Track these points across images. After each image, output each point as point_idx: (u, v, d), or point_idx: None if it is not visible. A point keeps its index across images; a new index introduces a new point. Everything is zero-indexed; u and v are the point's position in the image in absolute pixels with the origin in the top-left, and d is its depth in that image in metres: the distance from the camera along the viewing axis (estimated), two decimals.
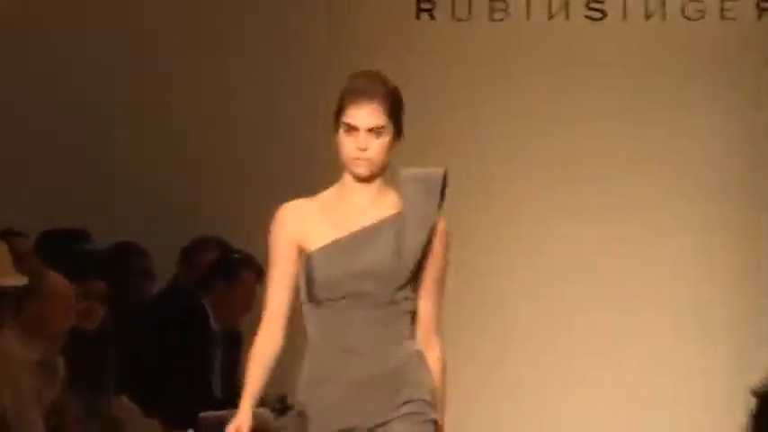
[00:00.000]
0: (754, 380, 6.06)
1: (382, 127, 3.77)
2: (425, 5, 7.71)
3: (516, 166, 7.73)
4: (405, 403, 3.81)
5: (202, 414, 5.81)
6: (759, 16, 7.51)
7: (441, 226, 3.87)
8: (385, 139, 3.80)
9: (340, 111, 3.81)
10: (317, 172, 7.50)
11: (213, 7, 7.81)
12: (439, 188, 3.88)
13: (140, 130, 7.80)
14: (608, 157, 7.65)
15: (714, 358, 7.41)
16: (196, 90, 8.04)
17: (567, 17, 7.56)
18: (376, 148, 3.78)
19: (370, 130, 3.79)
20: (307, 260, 3.81)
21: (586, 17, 7.55)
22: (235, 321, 7.02)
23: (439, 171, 3.88)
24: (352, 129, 3.78)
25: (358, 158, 3.80)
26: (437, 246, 3.85)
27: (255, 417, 4.03)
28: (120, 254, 6.37)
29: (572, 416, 7.54)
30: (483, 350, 7.77)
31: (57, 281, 5.40)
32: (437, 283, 3.89)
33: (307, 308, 3.82)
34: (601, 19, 7.56)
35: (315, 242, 3.81)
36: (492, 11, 7.60)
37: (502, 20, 7.57)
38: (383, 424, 3.80)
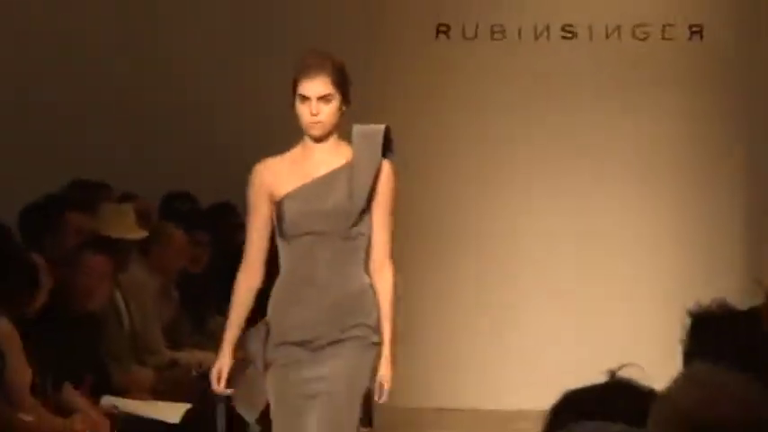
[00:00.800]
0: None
1: (330, 95, 4.12)
2: (442, 28, 8.31)
3: (510, 149, 8.51)
4: (355, 326, 4.21)
5: None
6: (690, 37, 8.24)
7: (385, 169, 4.22)
8: (333, 104, 4.14)
9: (295, 85, 4.16)
10: None
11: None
12: (380, 141, 4.23)
13: (235, 105, 8.10)
14: (578, 142, 8.43)
15: (666, 288, 7.88)
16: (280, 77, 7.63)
17: (549, 38, 8.32)
18: (326, 112, 4.12)
19: (320, 98, 4.11)
20: (278, 205, 4.16)
21: (562, 37, 8.31)
22: None
23: (381, 127, 4.27)
24: (305, 99, 4.11)
25: (312, 122, 4.13)
26: (382, 185, 4.21)
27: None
28: (220, 212, 6.91)
29: (547, 334, 8.15)
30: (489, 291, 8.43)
31: (173, 232, 6.20)
32: (386, 215, 4.24)
33: (280, 244, 4.23)
34: (572, 38, 8.35)
35: (284, 191, 4.18)
36: (493, 32, 8.25)
37: (500, 39, 8.31)
38: (335, 341, 4.19)
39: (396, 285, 4.32)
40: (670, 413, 2.02)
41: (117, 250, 6.04)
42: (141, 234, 6.31)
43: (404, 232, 6.63)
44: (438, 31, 8.26)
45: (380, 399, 4.25)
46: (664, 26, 8.24)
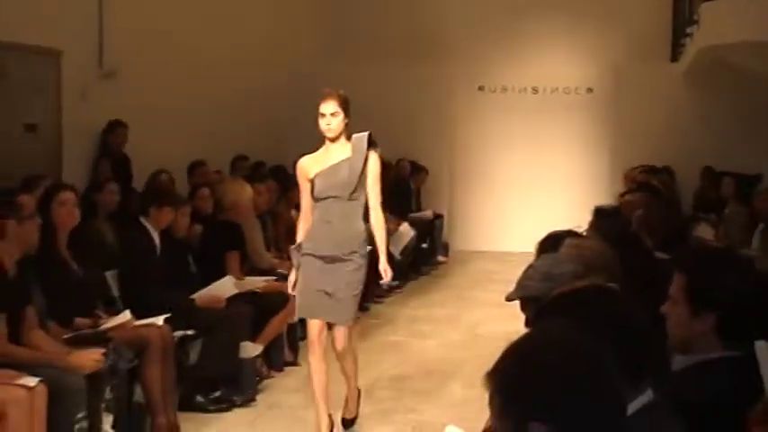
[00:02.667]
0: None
1: (337, 112, 4.80)
2: (481, 87, 12.13)
3: (510, 140, 12.13)
4: (351, 253, 4.88)
5: None
6: (587, 92, 11.78)
7: (372, 157, 4.79)
8: (339, 118, 4.81)
9: (318, 107, 4.82)
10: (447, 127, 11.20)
11: None
12: (365, 142, 4.80)
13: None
14: (539, 137, 12.05)
15: (579, 198, 10.50)
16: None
17: (526, 92, 12.18)
18: (335, 123, 4.81)
19: (332, 114, 4.79)
20: (311, 182, 4.84)
21: (532, 92, 12.24)
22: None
23: (365, 133, 4.84)
24: (323, 115, 4.79)
25: (326, 129, 4.80)
26: (370, 167, 4.80)
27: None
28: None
29: (524, 214, 11.58)
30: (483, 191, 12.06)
31: None
32: (374, 182, 4.82)
33: (313, 204, 4.89)
34: (537, 93, 12.22)
35: (314, 173, 4.82)
36: (503, 89, 12.02)
37: (505, 92, 12.14)
38: (341, 258, 4.84)
39: (385, 220, 4.82)
40: (566, 249, 2.80)
41: None
42: None
43: (468, 173, 11.70)
44: (479, 88, 12.20)
45: (386, 279, 4.93)
46: (576, 87, 12.08)
